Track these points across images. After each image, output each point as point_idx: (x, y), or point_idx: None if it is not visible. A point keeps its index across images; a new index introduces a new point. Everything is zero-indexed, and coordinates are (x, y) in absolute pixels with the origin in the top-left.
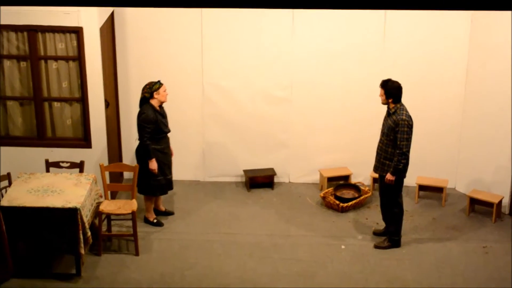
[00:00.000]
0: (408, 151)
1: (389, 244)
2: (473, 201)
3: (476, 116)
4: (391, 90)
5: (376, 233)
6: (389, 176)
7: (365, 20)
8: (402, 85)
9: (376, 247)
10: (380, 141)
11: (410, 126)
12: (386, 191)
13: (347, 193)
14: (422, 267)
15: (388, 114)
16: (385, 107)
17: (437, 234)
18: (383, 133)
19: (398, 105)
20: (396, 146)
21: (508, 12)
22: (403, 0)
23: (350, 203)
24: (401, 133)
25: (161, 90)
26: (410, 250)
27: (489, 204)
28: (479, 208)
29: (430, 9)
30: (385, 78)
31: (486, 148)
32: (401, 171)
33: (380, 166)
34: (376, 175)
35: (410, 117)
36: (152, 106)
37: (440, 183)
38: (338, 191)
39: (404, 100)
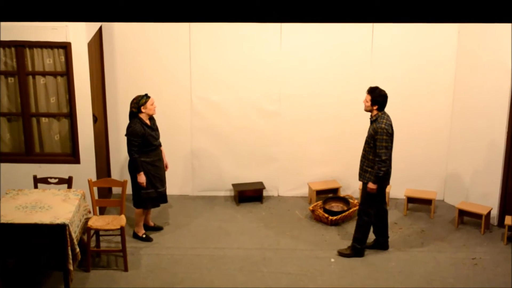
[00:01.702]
0: (388, 159)
1: (351, 252)
2: (462, 213)
3: (464, 128)
4: (378, 98)
5: (367, 247)
6: (370, 185)
7: (353, 33)
8: (390, 97)
9: (340, 254)
10: (363, 149)
11: (389, 134)
12: (366, 199)
13: (336, 206)
14: (411, 280)
15: (370, 122)
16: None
17: (426, 246)
18: (365, 141)
19: (380, 114)
20: (376, 153)
21: (495, 25)
22: (391, 13)
23: (339, 216)
24: (380, 141)
25: (148, 104)
26: (399, 263)
27: (477, 216)
28: (468, 220)
29: (419, 22)
30: None
31: (474, 160)
32: (382, 180)
33: (362, 173)
34: None
35: (390, 125)
36: (141, 120)
37: (428, 195)
38: (327, 204)
39: (392, 112)
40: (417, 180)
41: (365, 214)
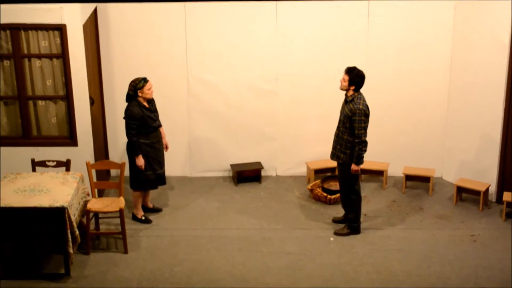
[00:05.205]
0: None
1: (348, 231)
2: (460, 190)
3: (462, 105)
4: (356, 78)
5: (335, 221)
6: (354, 167)
7: (349, 11)
8: (387, 75)
9: (336, 234)
10: (337, 128)
11: (366, 115)
12: (344, 178)
13: (335, 185)
14: (410, 257)
15: (346, 101)
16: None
17: (425, 224)
18: (339, 121)
19: (357, 94)
20: (352, 134)
21: (491, 1)
22: None
23: (337, 195)
24: (359, 122)
25: (145, 88)
26: (399, 241)
27: (476, 193)
28: (466, 197)
29: None
30: (371, 68)
31: (472, 137)
32: (362, 160)
33: (336, 153)
34: (363, 167)
35: (367, 106)
36: (139, 102)
37: (427, 172)
38: (326, 183)
39: (389, 90)
40: (415, 157)
41: (352, 192)
